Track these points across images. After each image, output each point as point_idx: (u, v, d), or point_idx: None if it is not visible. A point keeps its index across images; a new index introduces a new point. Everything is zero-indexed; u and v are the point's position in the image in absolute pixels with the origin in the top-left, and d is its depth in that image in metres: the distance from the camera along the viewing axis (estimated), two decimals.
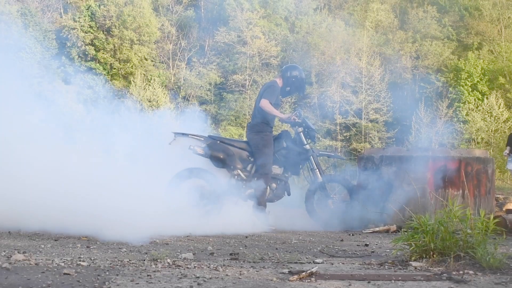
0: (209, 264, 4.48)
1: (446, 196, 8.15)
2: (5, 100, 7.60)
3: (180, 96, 46.76)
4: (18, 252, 4.75)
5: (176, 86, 47.93)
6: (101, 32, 47.72)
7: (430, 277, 3.92)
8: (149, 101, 41.02)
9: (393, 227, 8.12)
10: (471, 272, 4.10)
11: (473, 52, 47.57)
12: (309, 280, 3.83)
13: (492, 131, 42.19)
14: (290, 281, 3.80)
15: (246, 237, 7.03)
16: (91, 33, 47.41)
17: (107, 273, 3.90)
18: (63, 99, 8.53)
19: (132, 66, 46.76)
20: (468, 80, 45.47)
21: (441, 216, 4.60)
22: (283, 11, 51.48)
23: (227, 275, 3.97)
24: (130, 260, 4.49)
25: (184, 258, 4.77)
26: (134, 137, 8.61)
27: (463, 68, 45.79)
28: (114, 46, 47.23)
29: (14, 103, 7.73)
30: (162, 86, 45.37)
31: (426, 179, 8.35)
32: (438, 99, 44.48)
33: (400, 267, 4.42)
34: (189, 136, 8.33)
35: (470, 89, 45.56)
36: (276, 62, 47.64)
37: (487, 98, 43.70)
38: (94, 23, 47.72)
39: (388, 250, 5.73)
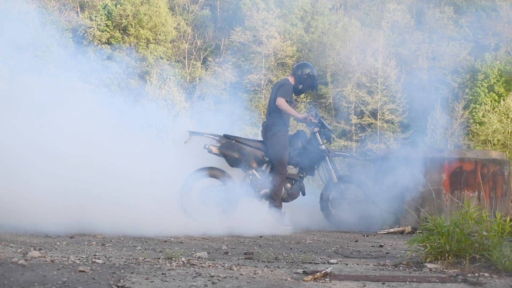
0: (223, 263, 4.48)
1: (461, 197, 8.11)
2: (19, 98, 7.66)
3: (196, 95, 46.83)
4: (34, 249, 4.78)
5: (192, 85, 48.00)
6: (118, 31, 47.90)
7: (445, 279, 3.90)
8: (165, 100, 41.10)
9: (408, 228, 8.10)
10: (486, 274, 4.08)
11: (490, 53, 47.24)
12: (323, 281, 3.82)
13: (508, 133, 41.92)
14: (304, 281, 3.80)
15: (261, 236, 7.04)
16: (108, 32, 47.60)
17: (122, 271, 3.92)
18: (79, 97, 8.53)
19: (148, 65, 46.88)
20: (484, 81, 45.17)
21: (457, 217, 4.58)
22: (299, 10, 51.37)
23: (241, 274, 3.97)
24: (145, 258, 4.51)
25: (199, 257, 4.78)
26: (149, 135, 8.63)
27: (480, 69, 45.50)
28: (130, 45, 47.37)
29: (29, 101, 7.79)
30: (178, 85, 45.44)
31: (441, 181, 8.33)
32: (454, 100, 44.23)
33: (415, 268, 4.40)
34: (205, 135, 8.32)
35: (487, 90, 45.24)
36: (292, 62, 47.53)
37: (503, 99, 43.41)
38: (110, 22, 47.90)
39: (402, 252, 5.72)
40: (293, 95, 8.66)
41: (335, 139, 42.20)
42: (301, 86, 8.57)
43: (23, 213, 6.54)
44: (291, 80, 8.56)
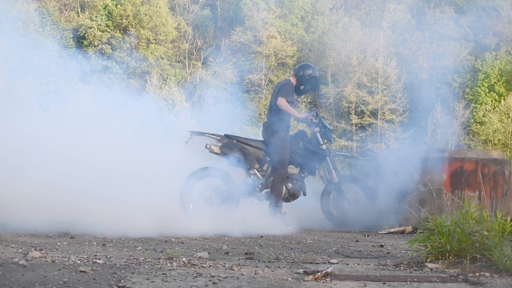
0: (224, 263, 4.48)
1: (462, 197, 8.10)
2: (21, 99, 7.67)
3: (196, 95, 46.83)
4: (34, 249, 4.78)
5: (192, 85, 48.01)
6: (118, 31, 47.91)
7: (446, 279, 3.90)
8: (165, 100, 41.11)
9: (409, 228, 8.10)
10: (487, 274, 4.08)
11: (490, 52, 47.22)
12: (324, 281, 3.82)
13: (509, 133, 41.92)
14: (305, 281, 3.80)
15: (261, 236, 7.03)
16: (108, 32, 47.62)
17: (123, 271, 3.92)
18: (79, 98, 8.55)
19: (148, 65, 46.88)
20: (485, 81, 45.16)
21: (458, 217, 4.58)
22: (299, 10, 51.41)
23: (242, 274, 3.97)
24: (145, 259, 4.51)
25: (199, 257, 4.78)
26: (150, 135, 8.62)
27: (480, 69, 45.49)
28: (131, 45, 47.38)
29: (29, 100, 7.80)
30: (178, 85, 45.45)
31: (442, 180, 8.32)
32: (454, 100, 44.22)
33: (416, 268, 4.40)
34: (206, 134, 8.31)
35: (487, 90, 45.24)
36: (292, 62, 47.58)
37: (504, 99, 43.40)
38: (111, 22, 47.94)
39: (403, 251, 5.71)
40: (295, 95, 8.66)
41: (336, 139, 42.21)
42: (302, 86, 8.56)
43: (24, 213, 6.54)
44: (293, 80, 8.55)
